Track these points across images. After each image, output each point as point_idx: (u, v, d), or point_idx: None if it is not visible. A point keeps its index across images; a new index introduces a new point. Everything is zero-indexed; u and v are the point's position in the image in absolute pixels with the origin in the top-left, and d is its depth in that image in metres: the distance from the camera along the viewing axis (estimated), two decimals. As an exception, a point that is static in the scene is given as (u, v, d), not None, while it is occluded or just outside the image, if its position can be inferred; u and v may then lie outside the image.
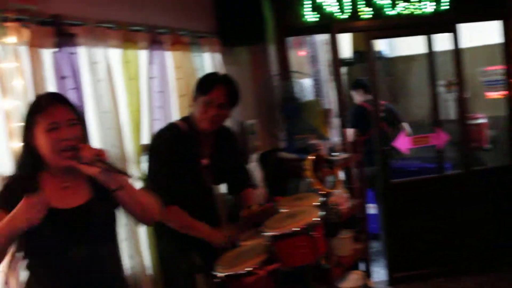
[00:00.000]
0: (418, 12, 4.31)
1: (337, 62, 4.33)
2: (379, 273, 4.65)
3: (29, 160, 1.76)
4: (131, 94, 2.79)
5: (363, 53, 5.82)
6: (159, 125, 2.98)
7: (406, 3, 4.28)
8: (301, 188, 3.45)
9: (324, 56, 5.17)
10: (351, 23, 4.29)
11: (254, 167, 3.60)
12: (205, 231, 2.53)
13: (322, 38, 5.13)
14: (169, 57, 3.12)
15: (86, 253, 1.72)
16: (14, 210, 1.59)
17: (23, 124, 1.77)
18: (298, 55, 5.07)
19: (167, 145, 2.48)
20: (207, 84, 2.49)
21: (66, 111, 1.73)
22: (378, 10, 4.26)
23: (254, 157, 3.71)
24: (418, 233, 4.45)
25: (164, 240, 2.70)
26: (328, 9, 4.15)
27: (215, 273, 2.29)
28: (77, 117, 1.77)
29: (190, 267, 2.71)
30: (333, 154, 3.92)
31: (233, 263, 2.30)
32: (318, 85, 4.99)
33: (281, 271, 2.33)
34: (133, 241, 2.72)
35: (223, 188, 3.08)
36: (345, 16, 4.22)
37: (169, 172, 2.44)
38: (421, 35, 4.56)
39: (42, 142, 1.69)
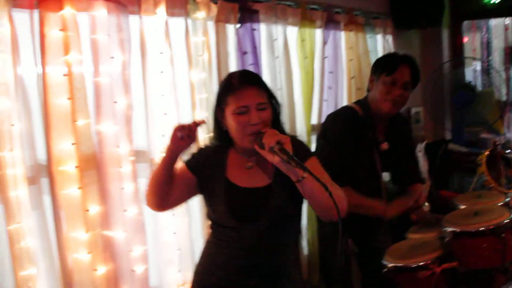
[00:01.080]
0: None
1: (520, 49, 3.89)
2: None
3: (219, 135, 1.77)
4: (305, 72, 2.79)
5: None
6: (327, 106, 2.95)
7: None
8: (473, 185, 3.16)
9: (498, 43, 4.68)
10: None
11: (419, 157, 3.40)
12: (381, 207, 2.41)
13: (498, 23, 4.64)
14: (343, 38, 3.05)
15: (260, 238, 1.67)
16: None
17: (216, 98, 1.76)
18: (463, 41, 4.67)
19: (345, 127, 2.42)
20: (391, 64, 2.37)
21: (257, 94, 1.65)
22: None
23: (420, 146, 3.50)
24: None
25: (325, 223, 2.68)
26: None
27: (384, 262, 2.20)
28: (268, 99, 1.69)
29: (347, 252, 2.66)
30: (507, 151, 3.54)
31: (404, 255, 2.19)
32: (491, 74, 4.54)
33: (456, 271, 2.15)
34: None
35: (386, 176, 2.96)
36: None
37: (344, 154, 2.39)
38: None
39: (231, 123, 1.67)
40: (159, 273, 2.33)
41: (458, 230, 2.08)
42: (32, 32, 1.83)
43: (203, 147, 1.84)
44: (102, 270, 2.05)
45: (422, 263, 2.08)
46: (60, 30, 1.86)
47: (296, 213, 1.79)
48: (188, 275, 2.39)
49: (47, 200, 1.95)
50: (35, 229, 1.88)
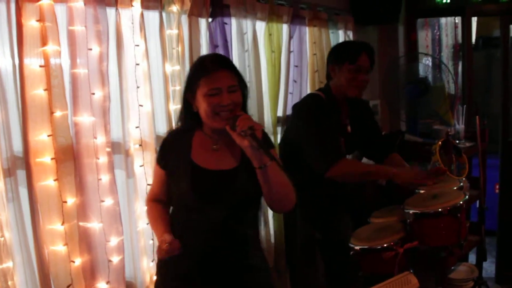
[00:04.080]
0: None
1: (469, 46, 4.14)
2: (487, 269, 4.45)
3: (187, 117, 1.81)
4: (272, 66, 2.88)
5: (487, 38, 5.53)
6: (292, 99, 3.05)
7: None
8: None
9: (449, 40, 4.96)
10: (486, 6, 4.07)
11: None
12: (391, 170, 2.47)
13: (449, 21, 4.92)
14: (307, 33, 3.16)
15: (223, 216, 1.73)
16: (158, 233, 1.81)
17: (186, 81, 1.78)
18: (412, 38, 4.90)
19: (314, 110, 2.52)
20: (354, 52, 2.51)
21: (229, 77, 1.70)
22: (518, -7, 4.00)
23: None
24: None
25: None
26: (464, -10, 3.98)
27: (350, 245, 2.34)
28: (239, 82, 1.74)
29: (311, 239, 2.78)
30: (457, 141, 3.78)
31: (369, 238, 2.33)
32: (442, 69, 4.80)
33: (416, 250, 2.32)
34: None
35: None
36: (480, -2, 4.03)
37: (323, 132, 2.46)
38: None
39: (201, 104, 1.70)
40: (134, 264, 2.35)
41: (418, 211, 2.24)
42: (9, 22, 1.81)
43: (166, 136, 1.90)
44: (78, 261, 2.06)
45: (386, 245, 2.24)
46: (37, 20, 1.84)
47: (258, 197, 1.83)
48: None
49: (23, 192, 1.93)
50: (11, 222, 1.87)
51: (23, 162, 1.91)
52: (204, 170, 1.76)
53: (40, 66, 1.87)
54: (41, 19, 1.84)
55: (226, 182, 1.76)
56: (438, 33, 4.86)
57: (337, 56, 2.60)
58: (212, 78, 1.68)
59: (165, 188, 1.88)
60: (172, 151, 1.81)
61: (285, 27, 2.98)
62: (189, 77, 1.78)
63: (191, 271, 1.78)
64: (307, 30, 3.17)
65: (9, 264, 1.82)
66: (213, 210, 1.74)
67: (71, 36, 1.96)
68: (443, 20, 4.99)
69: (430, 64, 4.19)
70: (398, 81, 3.94)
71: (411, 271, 2.24)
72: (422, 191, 2.48)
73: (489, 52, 5.65)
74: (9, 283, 1.81)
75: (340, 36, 3.47)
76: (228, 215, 1.75)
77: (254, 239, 1.88)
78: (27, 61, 1.84)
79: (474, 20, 5.51)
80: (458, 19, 4.46)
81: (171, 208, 1.95)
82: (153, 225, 1.88)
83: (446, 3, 3.99)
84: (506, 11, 4.08)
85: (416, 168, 2.55)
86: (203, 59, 1.79)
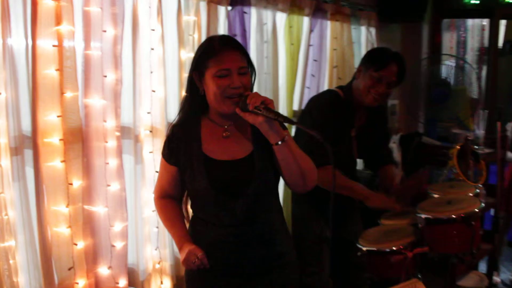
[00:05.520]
0: None
1: (495, 50, 4.03)
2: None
3: (193, 103, 1.70)
4: (290, 59, 2.83)
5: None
6: (309, 93, 2.99)
7: None
8: (443, 176, 3.29)
9: (474, 43, 4.84)
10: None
11: (393, 149, 3.50)
12: (365, 192, 2.45)
13: (476, 23, 4.79)
14: (329, 27, 3.09)
15: (246, 206, 1.65)
16: (177, 238, 1.73)
17: (193, 61, 1.68)
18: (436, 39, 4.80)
19: (328, 108, 2.46)
20: (381, 60, 2.41)
21: (238, 58, 1.61)
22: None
23: (394, 138, 3.61)
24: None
25: (302, 204, 2.74)
26: (494, -9, 3.87)
27: (359, 246, 2.28)
28: (248, 64, 1.65)
29: (321, 235, 2.73)
30: (476, 147, 3.69)
31: (378, 240, 2.27)
32: (466, 72, 4.69)
33: (426, 256, 2.26)
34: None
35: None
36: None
37: (327, 133, 2.41)
38: None
39: (210, 86, 1.60)
40: (137, 250, 2.34)
41: (431, 217, 2.17)
42: (24, 0, 1.79)
43: (171, 131, 1.76)
44: (81, 244, 2.04)
45: (395, 248, 2.17)
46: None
47: (277, 181, 1.76)
48: (165, 253, 2.41)
49: (29, 172, 1.92)
50: (16, 201, 1.86)
51: (31, 141, 1.89)
52: (219, 162, 1.68)
53: (53, 46, 1.85)
54: (56, -2, 1.82)
55: (243, 171, 1.67)
56: (464, 35, 4.73)
57: (368, 59, 2.50)
58: (221, 59, 1.59)
59: (176, 184, 1.78)
60: (180, 146, 1.70)
61: (306, 20, 2.92)
62: (196, 57, 1.67)
63: (219, 266, 1.70)
64: (328, 24, 3.10)
65: (11, 243, 1.81)
66: (235, 202, 1.66)
67: (86, 17, 1.94)
68: (469, 21, 4.85)
69: (453, 66, 4.09)
70: (419, 83, 3.84)
71: (419, 276, 2.18)
72: (435, 195, 2.41)
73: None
74: (11, 262, 1.80)
75: (363, 32, 3.39)
76: (250, 204, 1.67)
77: (280, 225, 1.79)
78: (40, 40, 1.82)
79: (503, 23, 5.38)
80: (486, 21, 4.32)
81: (189, 204, 1.85)
82: (168, 226, 1.79)
83: (474, 4, 3.86)
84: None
85: (382, 195, 2.49)
86: (211, 39, 1.70)
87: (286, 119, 1.56)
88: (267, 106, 1.54)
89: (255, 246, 1.71)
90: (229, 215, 1.66)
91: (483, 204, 2.22)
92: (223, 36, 1.88)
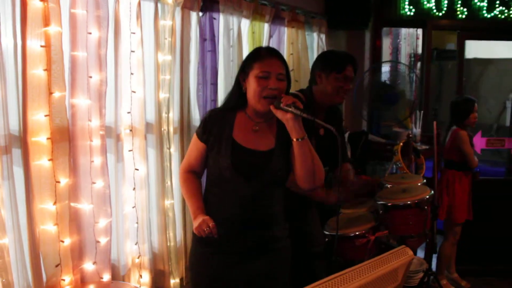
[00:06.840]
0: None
1: (428, 56, 4.44)
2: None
3: (235, 96, 1.97)
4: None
5: (440, 51, 5.90)
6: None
7: (503, 8, 4.35)
8: (388, 170, 3.60)
9: (409, 49, 5.27)
10: (445, 21, 4.40)
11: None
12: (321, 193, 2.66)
13: (411, 32, 5.23)
14: (286, 33, 3.30)
15: (254, 192, 1.90)
16: (193, 208, 1.93)
17: (241, 64, 1.98)
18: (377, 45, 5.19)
19: None
20: (341, 63, 2.64)
21: (279, 65, 1.90)
22: (473, 12, 4.35)
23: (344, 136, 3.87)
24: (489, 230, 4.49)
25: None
26: (426, 5, 4.29)
27: (326, 233, 2.50)
28: (286, 74, 1.93)
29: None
30: (416, 143, 4.05)
31: (344, 226, 2.50)
32: (404, 76, 5.09)
33: (384, 238, 2.51)
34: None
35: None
36: (440, 13, 4.34)
37: None
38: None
39: (251, 85, 1.88)
40: (117, 246, 2.40)
41: (389, 203, 2.45)
42: (13, 0, 1.83)
43: (209, 113, 2.03)
44: (68, 241, 2.09)
45: (358, 233, 2.42)
46: (41, 0, 1.87)
47: (286, 177, 2.02)
48: (144, 248, 2.49)
49: (18, 171, 1.95)
50: (5, 200, 1.88)
51: (19, 140, 1.93)
52: (244, 148, 1.93)
53: (41, 46, 1.90)
54: (44, 0, 1.87)
55: (263, 161, 1.93)
56: (400, 42, 5.15)
57: (325, 64, 2.70)
58: (264, 63, 1.89)
59: (202, 161, 2.00)
60: (214, 127, 1.95)
61: (266, 26, 3.11)
62: (244, 61, 1.97)
63: (221, 239, 1.89)
64: (285, 30, 3.31)
65: (4, 241, 1.83)
66: (246, 186, 1.90)
67: (72, 19, 2.01)
68: (404, 30, 5.29)
69: (388, 70, 4.44)
70: (363, 85, 4.15)
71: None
72: (389, 186, 2.69)
73: (441, 64, 6.05)
74: (6, 259, 1.82)
75: (315, 38, 3.64)
76: (258, 191, 1.92)
77: (279, 214, 2.03)
78: (29, 40, 1.87)
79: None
80: (420, 31, 4.74)
81: (206, 180, 2.07)
82: (188, 197, 2.00)
83: (409, 15, 4.26)
84: (462, 27, 4.41)
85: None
86: (259, 48, 2.03)
87: (308, 115, 1.83)
88: (295, 104, 1.83)
89: (255, 228, 1.93)
90: (238, 196, 1.91)
91: (432, 192, 2.53)
92: (269, 47, 2.25)
